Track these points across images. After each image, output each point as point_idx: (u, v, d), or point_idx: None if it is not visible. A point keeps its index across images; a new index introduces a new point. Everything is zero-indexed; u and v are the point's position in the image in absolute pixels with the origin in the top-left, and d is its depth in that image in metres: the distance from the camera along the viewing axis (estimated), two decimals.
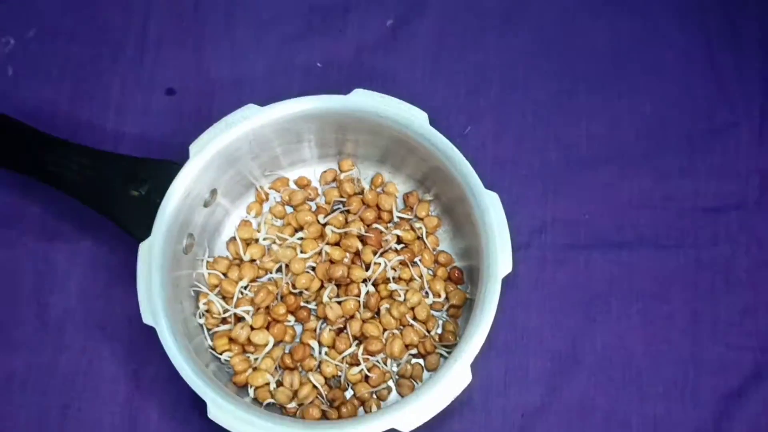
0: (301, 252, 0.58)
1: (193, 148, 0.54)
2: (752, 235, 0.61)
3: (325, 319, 0.57)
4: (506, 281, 0.51)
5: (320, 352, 0.57)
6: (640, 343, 0.59)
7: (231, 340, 0.56)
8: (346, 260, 0.58)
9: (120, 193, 0.55)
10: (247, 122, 0.54)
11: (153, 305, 0.51)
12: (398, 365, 0.57)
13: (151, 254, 0.52)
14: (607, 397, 0.58)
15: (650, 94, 0.65)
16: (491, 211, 0.52)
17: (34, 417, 0.58)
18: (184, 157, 0.55)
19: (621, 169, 0.63)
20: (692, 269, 0.60)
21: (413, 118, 0.54)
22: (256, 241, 0.59)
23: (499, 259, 0.51)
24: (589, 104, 0.65)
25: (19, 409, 0.58)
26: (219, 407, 0.49)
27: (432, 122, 0.55)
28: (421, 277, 0.58)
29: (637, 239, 0.61)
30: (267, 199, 0.61)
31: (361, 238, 0.58)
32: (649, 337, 0.59)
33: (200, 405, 0.51)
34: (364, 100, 0.55)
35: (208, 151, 0.54)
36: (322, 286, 0.58)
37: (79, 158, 0.56)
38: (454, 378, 0.49)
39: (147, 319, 0.50)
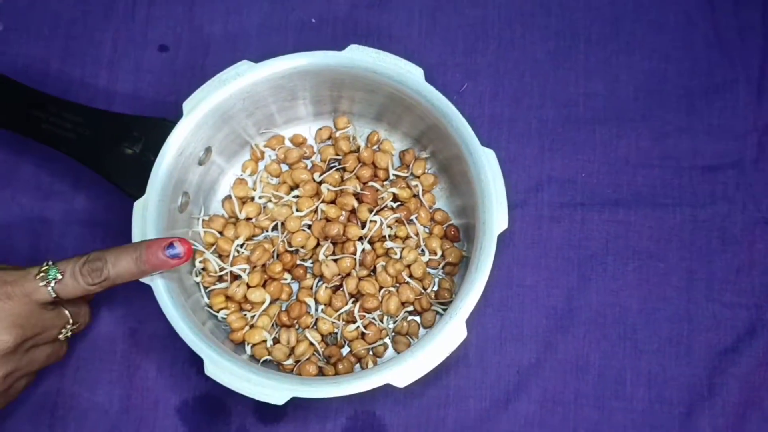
0: (297, 210, 0.58)
1: (187, 105, 0.54)
2: (749, 193, 0.61)
3: (322, 276, 0.57)
4: (502, 239, 0.51)
5: (317, 310, 0.57)
6: (635, 301, 0.59)
7: (228, 297, 0.56)
8: (342, 218, 0.58)
9: (114, 151, 0.55)
10: (241, 79, 0.54)
11: None
12: (394, 322, 0.57)
13: (145, 212, 0.52)
14: (602, 353, 0.58)
15: (649, 52, 0.64)
16: (487, 167, 0.52)
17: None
18: (178, 114, 0.54)
19: (619, 128, 0.63)
20: (689, 228, 0.60)
21: (409, 74, 0.54)
22: (252, 199, 0.59)
23: (495, 215, 0.51)
24: (588, 63, 0.64)
25: None
26: (215, 364, 0.49)
27: (428, 79, 0.54)
28: (417, 234, 0.58)
29: (634, 198, 0.61)
30: (262, 157, 0.61)
31: (357, 196, 0.58)
32: (644, 295, 0.59)
33: (197, 362, 0.51)
34: (358, 56, 0.54)
35: (202, 108, 0.53)
36: (318, 244, 0.58)
37: (72, 116, 0.55)
38: (450, 334, 0.49)
39: (143, 277, 0.50)
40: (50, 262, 0.49)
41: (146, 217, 0.51)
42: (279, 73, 0.54)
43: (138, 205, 0.52)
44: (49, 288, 0.48)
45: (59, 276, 0.48)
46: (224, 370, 0.49)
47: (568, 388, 0.58)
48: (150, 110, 0.62)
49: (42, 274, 0.48)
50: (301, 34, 0.65)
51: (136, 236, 0.51)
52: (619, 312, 0.59)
